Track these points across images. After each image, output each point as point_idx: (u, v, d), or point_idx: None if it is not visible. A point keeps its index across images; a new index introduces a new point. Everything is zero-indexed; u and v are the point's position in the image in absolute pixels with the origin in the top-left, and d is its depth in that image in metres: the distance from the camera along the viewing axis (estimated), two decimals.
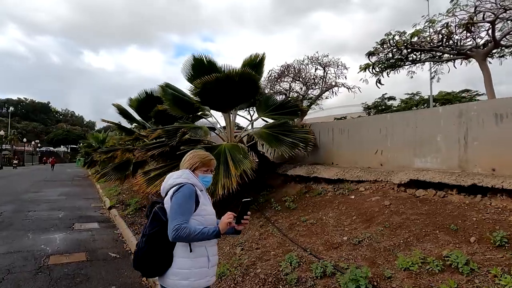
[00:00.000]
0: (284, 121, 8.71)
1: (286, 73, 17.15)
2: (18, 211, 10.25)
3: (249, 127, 11.25)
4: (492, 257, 3.56)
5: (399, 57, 14.27)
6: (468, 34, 12.57)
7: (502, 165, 5.05)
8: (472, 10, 11.86)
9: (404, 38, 13.31)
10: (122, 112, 12.91)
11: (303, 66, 17.07)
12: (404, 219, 4.87)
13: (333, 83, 17.16)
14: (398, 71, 15.31)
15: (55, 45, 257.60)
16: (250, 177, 6.84)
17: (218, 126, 10.17)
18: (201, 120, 10.21)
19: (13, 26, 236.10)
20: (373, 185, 6.48)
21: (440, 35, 12.59)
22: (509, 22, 12.14)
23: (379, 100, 31.16)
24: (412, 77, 15.84)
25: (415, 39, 13.09)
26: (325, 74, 17.12)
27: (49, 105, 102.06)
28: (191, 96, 8.49)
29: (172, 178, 2.55)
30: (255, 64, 8.79)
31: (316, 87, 17.60)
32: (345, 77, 18.33)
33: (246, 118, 14.53)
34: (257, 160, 9.14)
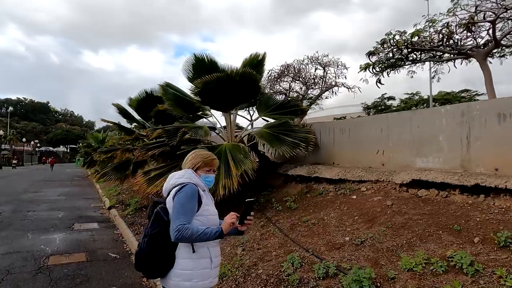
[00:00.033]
0: (285, 120, 8.67)
1: (286, 73, 17.14)
2: (18, 211, 10.20)
3: (249, 127, 11.21)
4: (497, 258, 3.52)
5: (399, 56, 14.25)
6: (469, 34, 12.55)
7: (505, 165, 5.01)
8: (473, 9, 11.85)
9: (405, 38, 13.28)
10: (122, 111, 12.87)
11: (303, 66, 17.07)
12: (406, 219, 4.83)
13: (333, 83, 17.16)
14: (398, 71, 15.30)
15: (54, 45, 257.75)
16: (251, 177, 6.81)
17: (218, 125, 10.14)
18: (201, 120, 10.18)
19: (13, 26, 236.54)
20: (374, 185, 6.44)
21: (440, 34, 12.57)
22: (509, 21, 12.11)
23: (378, 100, 31.20)
24: (412, 77, 15.84)
25: (416, 38, 13.07)
26: (325, 74, 17.11)
27: (49, 105, 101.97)
28: (192, 95, 8.45)
29: (174, 178, 2.52)
30: (255, 63, 8.75)
31: (316, 87, 17.60)
32: (345, 77, 18.34)
33: (246, 118, 14.51)
34: (258, 160, 9.11)
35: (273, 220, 6.44)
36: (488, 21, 11.54)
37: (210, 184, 2.69)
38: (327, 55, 16.88)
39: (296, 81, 17.40)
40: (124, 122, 14.53)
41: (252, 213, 2.45)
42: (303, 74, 17.12)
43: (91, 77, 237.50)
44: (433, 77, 16.53)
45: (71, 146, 76.95)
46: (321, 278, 3.95)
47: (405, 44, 13.25)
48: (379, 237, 4.61)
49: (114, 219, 9.33)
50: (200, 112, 9.31)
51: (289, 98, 12.78)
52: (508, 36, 12.29)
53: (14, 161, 43.51)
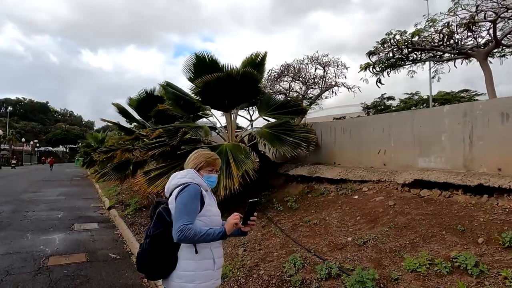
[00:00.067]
0: (286, 120, 8.64)
1: (286, 72, 17.10)
2: (17, 211, 10.14)
3: (249, 127, 11.18)
4: (502, 259, 3.49)
5: (400, 56, 14.22)
6: (469, 34, 12.53)
7: (509, 165, 4.99)
8: (474, 9, 11.82)
9: (405, 38, 13.25)
10: (122, 111, 12.82)
11: (303, 66, 17.04)
12: (409, 220, 4.80)
13: (333, 83, 17.13)
14: (399, 70, 15.27)
15: (53, 44, 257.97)
16: (252, 177, 6.78)
17: (219, 125, 10.10)
18: (201, 119, 10.15)
19: (11, 25, 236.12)
20: (376, 185, 6.41)
21: (441, 34, 12.54)
22: (510, 21, 12.08)
23: (378, 100, 31.17)
24: (412, 76, 15.81)
25: (416, 38, 13.04)
26: (325, 73, 17.08)
27: (48, 105, 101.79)
28: (192, 95, 8.42)
29: (176, 178, 2.48)
30: (256, 63, 8.72)
31: (316, 86, 17.57)
32: (345, 77, 18.31)
33: (246, 118, 14.48)
34: (258, 160, 9.08)
35: (274, 220, 6.40)
36: (489, 21, 11.51)
37: (213, 184, 2.65)
38: (327, 55, 16.85)
39: (296, 81, 17.37)
40: (123, 122, 14.51)
41: (255, 213, 2.41)
42: (303, 74, 17.09)
43: (90, 77, 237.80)
44: (433, 77, 16.47)
45: (70, 146, 76.90)
46: (323, 279, 3.91)
47: (406, 43, 13.22)
48: (382, 237, 4.57)
49: (114, 219, 9.29)
50: (201, 112, 9.27)
51: (289, 98, 12.72)
52: (509, 35, 12.25)
53: (13, 161, 43.39)
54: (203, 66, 8.21)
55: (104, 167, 12.35)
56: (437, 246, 4.00)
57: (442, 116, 5.95)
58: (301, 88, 17.59)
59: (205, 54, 8.30)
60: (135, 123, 14.10)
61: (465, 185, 4.91)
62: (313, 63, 17.04)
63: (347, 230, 5.14)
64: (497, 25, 11.58)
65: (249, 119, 13.65)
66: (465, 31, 12.38)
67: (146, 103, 11.15)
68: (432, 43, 13.25)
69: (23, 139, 57.08)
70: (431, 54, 14.53)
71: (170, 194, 2.45)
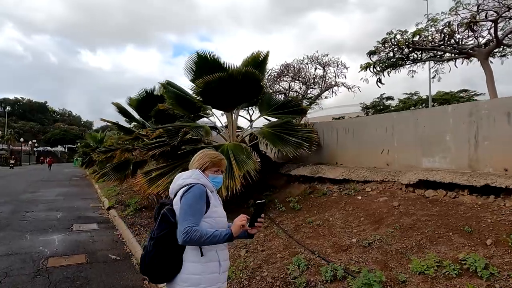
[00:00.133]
0: (287, 120, 8.58)
1: (285, 72, 17.06)
2: (16, 211, 10.05)
3: (249, 127, 11.11)
4: None
5: (400, 56, 14.19)
6: (471, 33, 12.50)
7: None
8: (475, 8, 11.79)
9: (406, 37, 13.22)
10: (122, 111, 12.72)
11: (303, 66, 17.01)
12: (415, 221, 4.73)
13: (333, 83, 17.10)
14: (399, 70, 15.25)
15: (52, 44, 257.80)
16: (254, 178, 6.71)
17: (219, 125, 10.03)
18: (201, 119, 10.07)
19: (10, 25, 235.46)
20: (380, 186, 6.35)
21: (442, 34, 12.50)
22: (511, 21, 12.06)
23: (377, 100, 31.14)
24: (413, 76, 15.80)
25: (417, 38, 13.01)
26: (324, 73, 17.05)
27: (46, 104, 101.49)
28: (193, 95, 8.34)
29: (181, 179, 2.41)
30: (257, 62, 8.65)
31: (316, 86, 17.54)
32: (345, 77, 18.25)
33: (245, 118, 14.42)
34: (259, 160, 9.01)
35: (276, 221, 6.33)
36: (490, 20, 11.48)
37: (219, 185, 2.58)
38: (327, 55, 16.84)
39: (296, 81, 17.35)
40: (123, 122, 14.44)
41: (262, 215, 2.34)
42: (302, 73, 17.06)
43: (89, 76, 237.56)
44: (433, 77, 16.47)
45: (69, 146, 76.62)
46: (328, 281, 3.84)
47: (406, 43, 13.19)
48: (387, 238, 4.51)
49: (114, 219, 9.20)
50: (201, 112, 9.20)
51: (290, 98, 12.65)
52: (510, 35, 12.22)
53: (12, 161, 43.21)
54: (204, 65, 8.13)
55: (104, 167, 12.25)
56: (444, 248, 3.93)
57: (447, 116, 5.89)
58: (300, 88, 17.57)
59: (207, 53, 8.23)
60: (134, 123, 14.02)
61: (471, 185, 4.85)
62: (313, 63, 17.03)
63: (351, 231, 5.08)
64: (498, 25, 11.55)
65: (249, 119, 13.62)
66: (466, 31, 12.35)
67: (146, 102, 11.06)
68: (432, 43, 13.23)
69: (21, 139, 56.94)
70: (431, 54, 14.51)
71: (175, 195, 2.38)
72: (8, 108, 77.79)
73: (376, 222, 5.10)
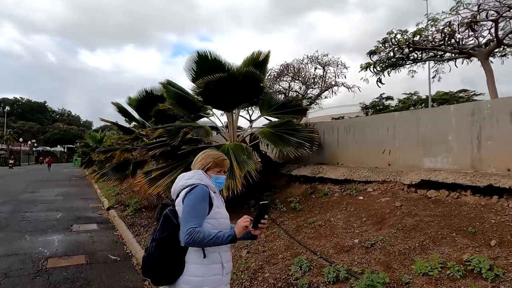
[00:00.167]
0: (288, 119, 8.56)
1: (285, 72, 17.02)
2: (15, 212, 10.01)
3: (249, 127, 11.08)
4: None
5: (400, 56, 14.16)
6: (471, 33, 12.47)
7: None
8: (476, 8, 11.76)
9: (406, 37, 13.20)
10: (122, 110, 12.69)
11: (303, 66, 16.98)
12: (417, 221, 4.70)
13: (333, 83, 17.07)
14: (399, 70, 15.22)
15: (51, 44, 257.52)
16: (255, 178, 6.68)
17: (219, 124, 9.99)
18: (201, 119, 10.03)
19: (9, 25, 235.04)
20: (381, 186, 6.32)
21: (442, 34, 12.47)
22: (511, 21, 12.04)
23: (377, 100, 31.14)
24: (413, 76, 15.77)
25: (417, 38, 12.98)
26: (324, 73, 17.02)
27: (46, 104, 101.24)
28: (194, 95, 8.31)
29: (183, 179, 2.37)
30: (258, 62, 8.62)
31: (316, 86, 17.51)
32: (345, 76, 18.21)
33: (245, 118, 14.37)
34: (260, 160, 8.98)
35: (277, 222, 6.30)
36: (491, 20, 11.45)
37: (221, 185, 2.55)
38: (327, 55, 16.81)
39: (296, 81, 17.31)
40: (122, 122, 14.41)
41: (266, 216, 2.30)
42: (302, 73, 17.03)
43: (88, 76, 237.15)
44: (433, 77, 16.43)
45: (68, 146, 76.57)
46: (331, 282, 3.80)
47: (407, 43, 13.16)
48: (390, 239, 4.47)
49: (114, 220, 9.16)
50: (202, 111, 9.17)
51: (291, 98, 12.63)
52: (510, 35, 12.19)
53: (11, 161, 43.20)
54: (205, 65, 8.10)
55: (103, 167, 12.21)
56: (448, 249, 3.90)
57: (449, 116, 5.86)
58: (300, 88, 17.53)
59: (208, 53, 8.19)
60: (134, 123, 13.98)
61: (474, 185, 4.82)
62: (312, 62, 17.00)
63: (353, 232, 5.05)
64: (499, 25, 11.52)
65: (249, 119, 13.57)
66: (467, 31, 12.33)
67: (146, 102, 11.03)
68: (433, 43, 13.20)
69: (20, 139, 56.84)
70: (431, 53, 14.48)
71: (177, 196, 2.35)
72: (7, 108, 77.67)
73: (378, 223, 5.07)
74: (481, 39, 12.81)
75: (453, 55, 13.97)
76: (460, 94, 27.46)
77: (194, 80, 8.33)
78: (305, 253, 4.73)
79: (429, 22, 13.00)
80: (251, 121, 12.39)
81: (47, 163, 39.62)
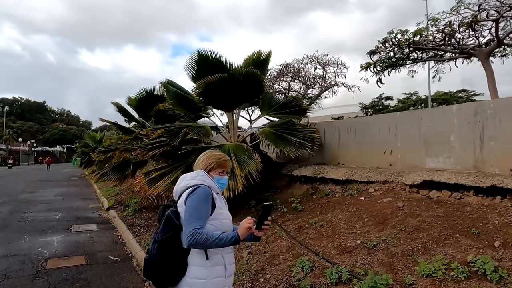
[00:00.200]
0: (289, 119, 8.53)
1: (285, 72, 16.99)
2: (14, 212, 9.96)
3: (249, 127, 11.05)
4: None
5: (401, 56, 14.14)
6: (471, 33, 12.45)
7: None
8: (476, 8, 11.74)
9: (406, 37, 13.18)
10: (121, 110, 12.65)
11: (303, 65, 16.95)
12: (420, 222, 4.67)
13: (333, 82, 17.04)
14: (399, 70, 15.20)
15: (51, 44, 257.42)
16: (256, 178, 6.64)
17: (220, 124, 9.96)
18: (202, 119, 10.00)
19: (8, 24, 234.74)
20: (383, 186, 6.28)
21: (443, 33, 12.45)
22: None
23: (376, 100, 31.11)
24: (413, 76, 15.76)
25: (418, 37, 12.96)
26: (324, 73, 16.99)
27: (45, 104, 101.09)
28: (194, 95, 8.27)
29: (186, 180, 2.34)
30: (259, 62, 8.59)
31: (316, 86, 17.47)
32: (345, 76, 18.18)
33: (245, 118, 14.33)
34: (260, 160, 8.95)
35: (278, 222, 6.26)
36: (491, 20, 11.43)
37: (224, 186, 2.52)
38: (327, 55, 16.78)
39: (296, 81, 17.28)
40: (122, 122, 14.37)
41: (269, 217, 2.27)
42: (302, 73, 17.00)
43: (88, 76, 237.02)
44: (434, 77, 16.42)
45: (67, 146, 76.44)
46: (334, 283, 3.77)
47: (407, 43, 13.14)
48: (393, 240, 4.44)
49: (113, 220, 9.11)
50: (202, 111, 9.14)
51: (291, 97, 12.62)
52: (511, 35, 12.17)
53: (10, 161, 43.10)
54: (205, 64, 8.08)
55: (103, 167, 12.17)
56: (451, 250, 3.87)
57: (451, 116, 5.83)
58: (300, 87, 17.49)
59: (208, 52, 8.15)
60: (134, 123, 13.95)
61: (477, 186, 4.78)
62: (312, 62, 16.97)
63: (355, 233, 5.01)
64: (499, 24, 11.50)
65: (248, 119, 13.55)
66: (467, 30, 12.31)
67: (146, 102, 11.00)
68: (433, 43, 13.17)
69: (20, 139, 56.74)
70: (432, 53, 14.46)
71: (179, 197, 2.31)
72: (6, 108, 77.58)
73: (380, 223, 5.03)
74: (481, 39, 12.80)
75: (453, 55, 13.96)
76: (460, 94, 27.46)
77: (194, 79, 8.30)
78: (307, 254, 4.70)
79: (429, 22, 13.00)
80: (251, 121, 12.37)
81: (47, 163, 39.57)
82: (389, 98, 31.08)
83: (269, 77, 16.68)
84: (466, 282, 3.28)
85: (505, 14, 11.26)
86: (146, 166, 10.73)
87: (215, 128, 9.65)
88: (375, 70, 14.75)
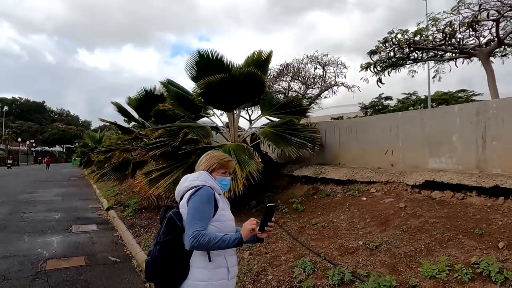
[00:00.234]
0: (290, 119, 8.50)
1: (285, 72, 16.96)
2: (13, 212, 9.92)
3: (249, 127, 11.01)
4: None
5: (401, 56, 14.11)
6: (472, 33, 12.42)
7: None
8: (477, 8, 11.72)
9: (407, 37, 13.15)
10: (121, 110, 12.62)
11: (302, 65, 16.91)
12: (422, 223, 4.64)
13: (332, 82, 17.01)
14: (399, 70, 15.18)
15: (51, 44, 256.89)
16: (256, 178, 6.61)
17: (220, 124, 9.93)
18: (202, 119, 9.97)
19: (9, 25, 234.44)
20: (384, 186, 6.25)
21: (443, 33, 12.42)
22: None
23: (376, 100, 31.08)
24: (413, 76, 15.73)
25: (418, 37, 12.93)
26: (324, 73, 16.96)
27: (44, 104, 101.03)
28: (194, 95, 8.24)
29: (188, 181, 2.30)
30: (260, 62, 8.57)
31: (315, 86, 17.44)
32: (345, 76, 18.15)
33: (245, 118, 14.29)
34: (260, 160, 8.91)
35: (279, 223, 6.22)
36: (492, 20, 11.40)
37: (226, 187, 2.48)
38: (327, 55, 16.74)
39: (295, 81, 17.25)
40: (121, 122, 14.34)
41: (273, 219, 2.23)
42: (302, 73, 16.96)
43: (87, 76, 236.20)
44: (434, 77, 16.38)
45: (67, 146, 76.38)
46: (336, 285, 3.73)
47: (407, 43, 13.11)
48: (395, 241, 4.41)
49: (113, 220, 9.07)
50: (202, 111, 9.11)
51: (292, 97, 12.57)
52: (511, 35, 12.14)
53: (9, 161, 43.03)
54: (206, 64, 8.06)
55: (102, 167, 12.14)
56: (455, 251, 3.83)
57: (453, 116, 5.80)
58: (300, 87, 17.46)
59: (209, 52, 8.13)
60: (134, 123, 13.91)
61: (480, 186, 4.75)
62: (312, 62, 16.93)
63: (357, 233, 4.98)
64: (500, 24, 11.47)
65: (248, 119, 13.51)
66: (467, 30, 12.28)
67: (146, 102, 10.97)
68: (433, 43, 13.15)
69: (19, 139, 56.74)
70: (432, 53, 14.44)
71: (181, 198, 2.27)
72: (5, 107, 77.50)
73: (382, 224, 5.00)
74: (481, 39, 12.78)
75: (453, 55, 13.94)
76: (459, 94, 27.44)
77: (194, 79, 8.28)
78: (309, 255, 4.66)
79: (429, 22, 12.97)
80: (250, 121, 12.33)
81: (46, 163, 39.49)
82: (388, 98, 31.05)
83: (269, 77, 16.65)
84: (471, 283, 3.25)
85: (505, 14, 11.23)
86: (146, 166, 10.70)
87: (215, 128, 9.61)
88: (375, 70, 14.72)
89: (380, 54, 14.20)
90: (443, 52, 14.08)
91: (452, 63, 14.59)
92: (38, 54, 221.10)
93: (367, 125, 7.61)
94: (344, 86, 17.00)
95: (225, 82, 7.22)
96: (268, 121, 9.53)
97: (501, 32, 11.64)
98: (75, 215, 9.70)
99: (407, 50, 13.64)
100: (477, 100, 22.32)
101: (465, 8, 11.98)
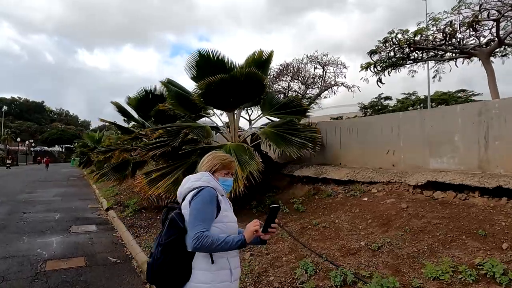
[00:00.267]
0: (290, 119, 8.46)
1: (285, 72, 16.94)
2: (13, 212, 9.87)
3: (249, 127, 10.98)
4: None
5: (401, 55, 14.10)
6: (472, 33, 12.41)
7: None
8: (477, 8, 11.70)
9: (407, 37, 13.13)
10: (121, 110, 12.60)
11: (302, 65, 16.90)
12: (425, 223, 4.61)
13: (332, 82, 17.00)
14: (399, 70, 15.16)
15: (50, 44, 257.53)
16: (257, 179, 6.57)
17: (220, 124, 9.90)
18: (202, 119, 9.94)
19: (9, 25, 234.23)
20: (386, 187, 6.22)
21: (443, 33, 12.41)
22: None
23: (375, 100, 31.09)
24: (413, 76, 15.72)
25: (418, 37, 12.91)
26: (324, 73, 16.94)
27: (43, 104, 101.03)
28: (195, 95, 8.21)
29: (190, 181, 2.27)
30: (261, 62, 8.53)
31: (315, 86, 17.43)
32: (344, 76, 18.14)
33: (245, 118, 14.27)
34: (261, 160, 8.88)
35: (281, 223, 6.19)
36: (492, 20, 11.39)
37: (229, 188, 2.45)
38: (326, 55, 16.73)
39: (295, 81, 17.23)
40: (121, 122, 14.31)
41: (276, 220, 2.20)
42: (302, 73, 16.95)
43: (87, 76, 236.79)
44: (434, 77, 16.38)
45: (66, 145, 76.27)
46: (338, 286, 3.70)
47: (407, 42, 13.09)
48: (397, 242, 4.38)
49: (113, 220, 9.03)
50: (203, 111, 9.08)
51: (292, 97, 12.54)
52: (511, 35, 12.13)
53: (9, 161, 42.93)
54: (206, 64, 8.02)
55: (102, 167, 12.12)
56: (458, 252, 3.80)
57: (455, 116, 5.77)
58: (300, 87, 17.45)
59: (209, 52, 8.09)
60: (134, 123, 13.88)
61: (483, 187, 4.72)
62: (312, 62, 16.92)
63: (359, 234, 4.95)
64: (500, 24, 11.46)
65: (248, 119, 13.48)
66: (468, 30, 12.26)
67: (146, 102, 10.95)
68: (434, 42, 13.13)
69: (18, 139, 56.62)
70: (432, 53, 14.42)
71: (184, 199, 2.24)
72: (4, 107, 77.24)
73: (384, 225, 4.97)
74: (482, 38, 12.76)
75: (453, 54, 13.92)
76: (459, 94, 27.46)
77: (195, 79, 8.24)
78: (310, 255, 4.63)
79: (430, 22, 12.96)
80: (250, 121, 12.30)
81: (45, 163, 39.42)
82: (388, 98, 31.08)
83: (269, 77, 16.63)
84: (475, 285, 3.22)
85: (506, 14, 11.22)
86: (146, 167, 10.66)
87: (216, 128, 9.58)
88: (375, 70, 14.70)
89: (380, 54, 14.19)
90: (443, 52, 14.07)
91: (452, 63, 14.60)
92: (38, 54, 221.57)
93: (368, 125, 7.58)
94: (344, 86, 17.02)
95: (226, 82, 7.19)
96: (268, 121, 9.50)
97: (501, 32, 11.63)
98: (75, 215, 9.66)
99: (407, 50, 13.64)
100: (476, 100, 22.33)
101: (465, 8, 11.99)
